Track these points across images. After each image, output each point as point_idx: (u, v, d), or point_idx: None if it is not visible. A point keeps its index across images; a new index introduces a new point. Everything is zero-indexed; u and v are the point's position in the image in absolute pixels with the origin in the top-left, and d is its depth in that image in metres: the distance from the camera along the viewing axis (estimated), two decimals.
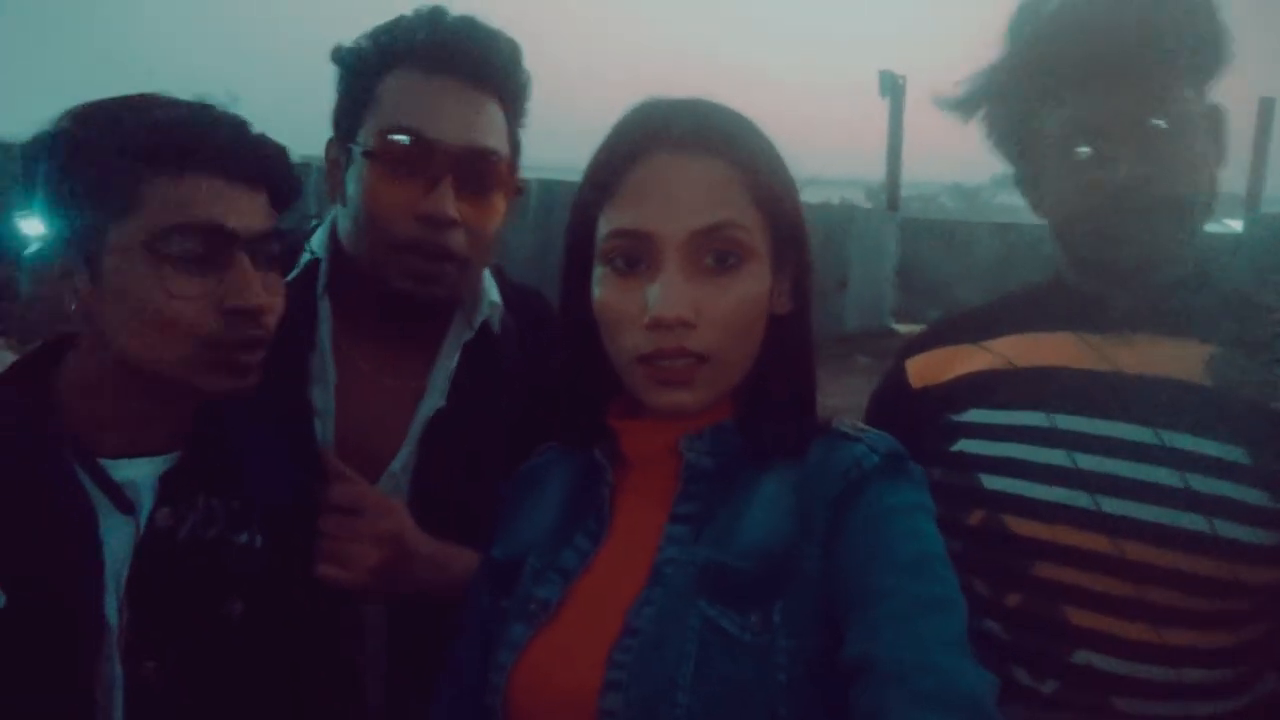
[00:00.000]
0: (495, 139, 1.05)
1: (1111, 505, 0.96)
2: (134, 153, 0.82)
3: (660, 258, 0.77)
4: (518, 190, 1.10)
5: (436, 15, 1.05)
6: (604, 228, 0.79)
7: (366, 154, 1.03)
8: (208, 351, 0.83)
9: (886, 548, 0.73)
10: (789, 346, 0.83)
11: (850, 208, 12.15)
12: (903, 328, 11.75)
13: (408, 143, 1.01)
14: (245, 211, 0.84)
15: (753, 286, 0.79)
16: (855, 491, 0.76)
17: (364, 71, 1.05)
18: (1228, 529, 0.92)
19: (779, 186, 0.81)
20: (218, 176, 0.83)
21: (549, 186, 8.68)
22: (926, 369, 1.12)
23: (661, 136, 0.79)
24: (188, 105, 0.86)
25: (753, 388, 0.82)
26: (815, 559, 0.74)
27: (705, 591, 0.75)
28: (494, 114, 1.05)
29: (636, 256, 0.78)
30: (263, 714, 0.90)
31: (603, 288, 0.79)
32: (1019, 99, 1.03)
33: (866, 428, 0.81)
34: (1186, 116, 0.96)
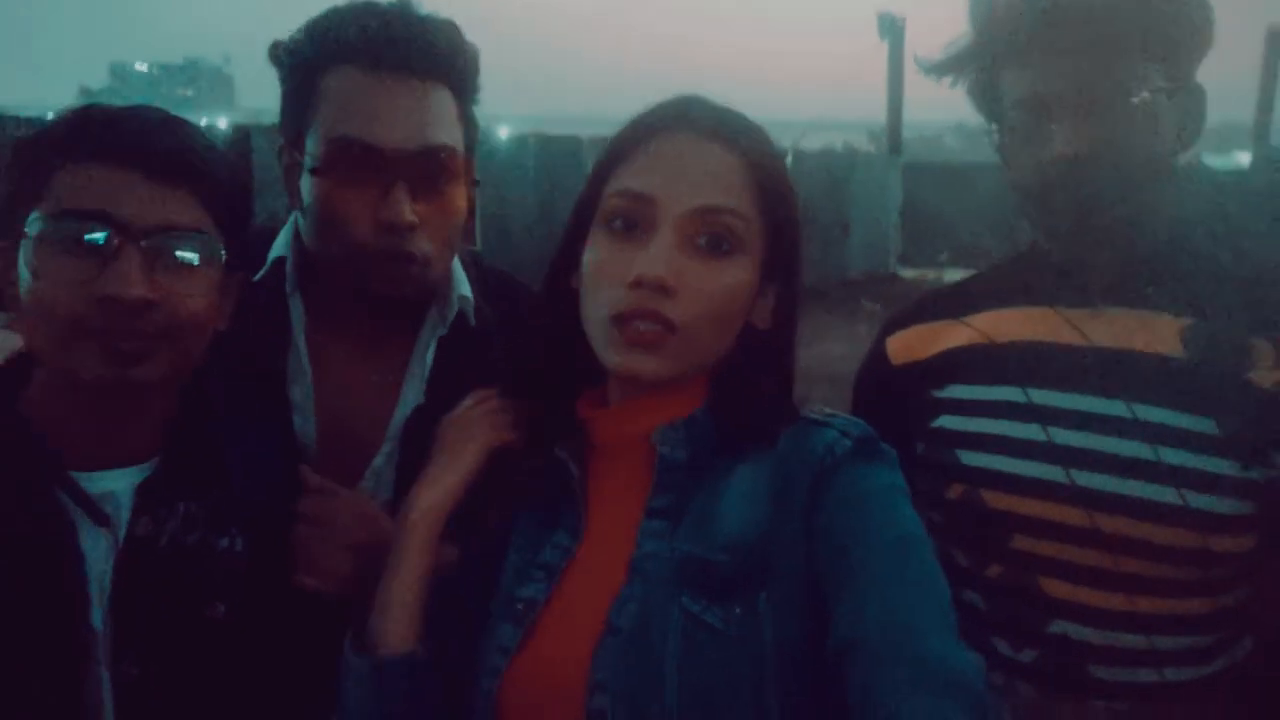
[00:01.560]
0: (446, 132, 1.03)
1: (1085, 479, 0.97)
2: (48, 144, 0.83)
3: (657, 226, 0.78)
4: (475, 181, 1.08)
5: (369, 7, 1.02)
6: (611, 188, 0.81)
7: (317, 165, 1.01)
8: (78, 338, 0.81)
9: (866, 531, 0.74)
10: (768, 363, 0.84)
11: (852, 153, 12.03)
12: (908, 272, 11.71)
13: (356, 152, 0.99)
14: (147, 205, 0.82)
15: (738, 276, 0.80)
16: (830, 477, 0.76)
17: (303, 71, 1.02)
18: (1198, 500, 0.93)
19: (786, 203, 0.83)
20: (117, 167, 0.82)
21: (547, 141, 8.59)
22: (907, 346, 1.13)
23: (685, 119, 0.81)
24: (117, 106, 0.86)
25: (723, 380, 0.83)
26: (795, 547, 0.75)
27: (686, 586, 0.75)
28: (442, 103, 1.03)
29: (634, 221, 0.79)
30: (249, 714, 0.91)
31: (595, 247, 0.81)
32: (984, 67, 1.04)
33: (836, 413, 0.82)
34: (1144, 95, 0.95)
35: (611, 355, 0.79)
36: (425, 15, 1.03)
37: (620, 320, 0.78)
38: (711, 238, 0.79)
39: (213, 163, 0.87)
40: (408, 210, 0.99)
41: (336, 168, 1.00)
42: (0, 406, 0.86)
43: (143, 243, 0.82)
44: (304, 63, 1.02)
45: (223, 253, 0.88)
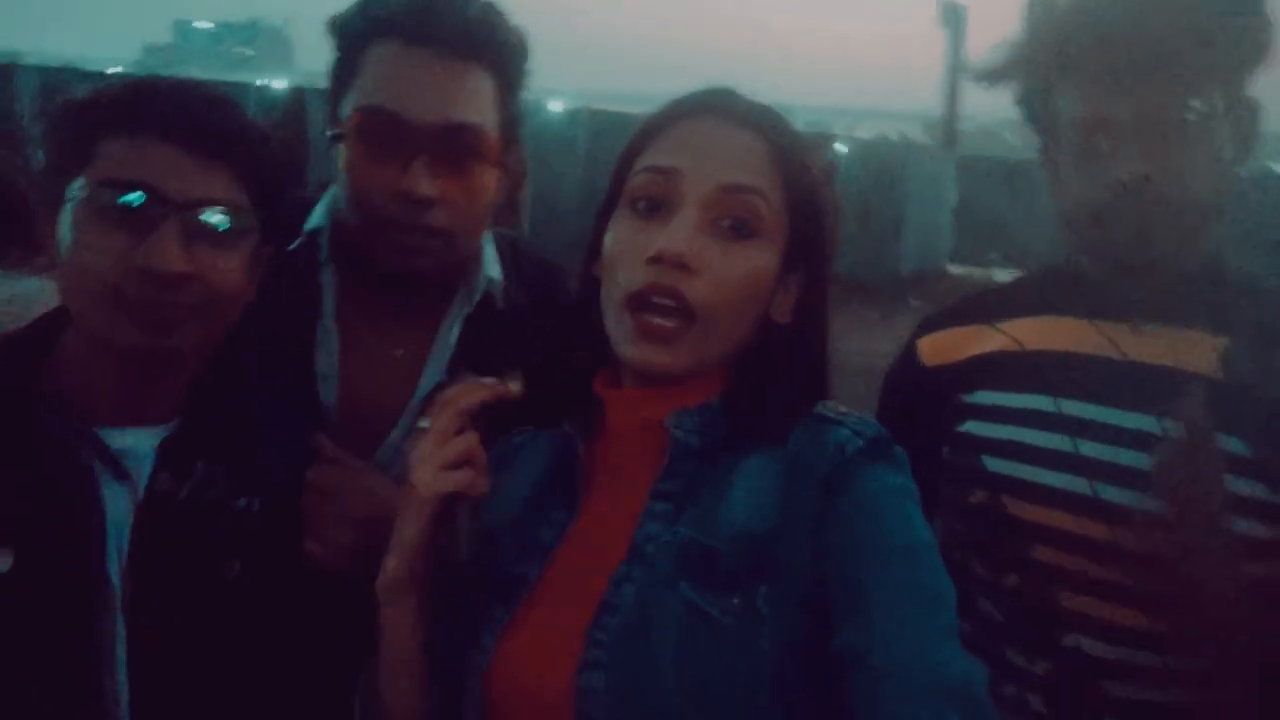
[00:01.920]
0: (476, 111, 1.03)
1: (1110, 493, 0.95)
2: (93, 114, 0.85)
3: (681, 203, 0.78)
4: (506, 163, 1.08)
5: None
6: (638, 165, 0.81)
7: (345, 131, 1.02)
8: (114, 306, 0.83)
9: (875, 536, 0.73)
10: (786, 357, 0.83)
11: (906, 145, 11.83)
12: (960, 270, 11.52)
13: (381, 120, 1.00)
14: (188, 179, 0.84)
15: (759, 261, 0.79)
16: (841, 476, 0.75)
17: (351, 42, 1.04)
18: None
19: (813, 195, 0.82)
20: (162, 140, 0.84)
21: (599, 116, 8.56)
22: (939, 348, 1.12)
23: (717, 105, 0.82)
24: (165, 79, 0.89)
25: (744, 376, 0.82)
26: (801, 544, 0.74)
27: (686, 572, 0.75)
28: (478, 83, 1.03)
29: (658, 199, 0.79)
30: (261, 671, 0.92)
31: (618, 227, 0.81)
32: (1037, 79, 1.02)
33: (849, 411, 0.81)
34: (1202, 115, 0.93)
35: (626, 347, 0.79)
36: None
37: (636, 302, 0.77)
38: (735, 219, 0.78)
39: (252, 139, 0.89)
40: (426, 184, 1.00)
41: (362, 137, 1.01)
42: (30, 362, 0.88)
43: (182, 215, 0.83)
44: (352, 35, 1.04)
45: (256, 228, 0.89)
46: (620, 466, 0.83)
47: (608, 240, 0.81)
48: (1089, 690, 0.97)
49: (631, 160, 0.82)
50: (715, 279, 0.77)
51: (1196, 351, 0.97)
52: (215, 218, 0.85)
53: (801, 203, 0.82)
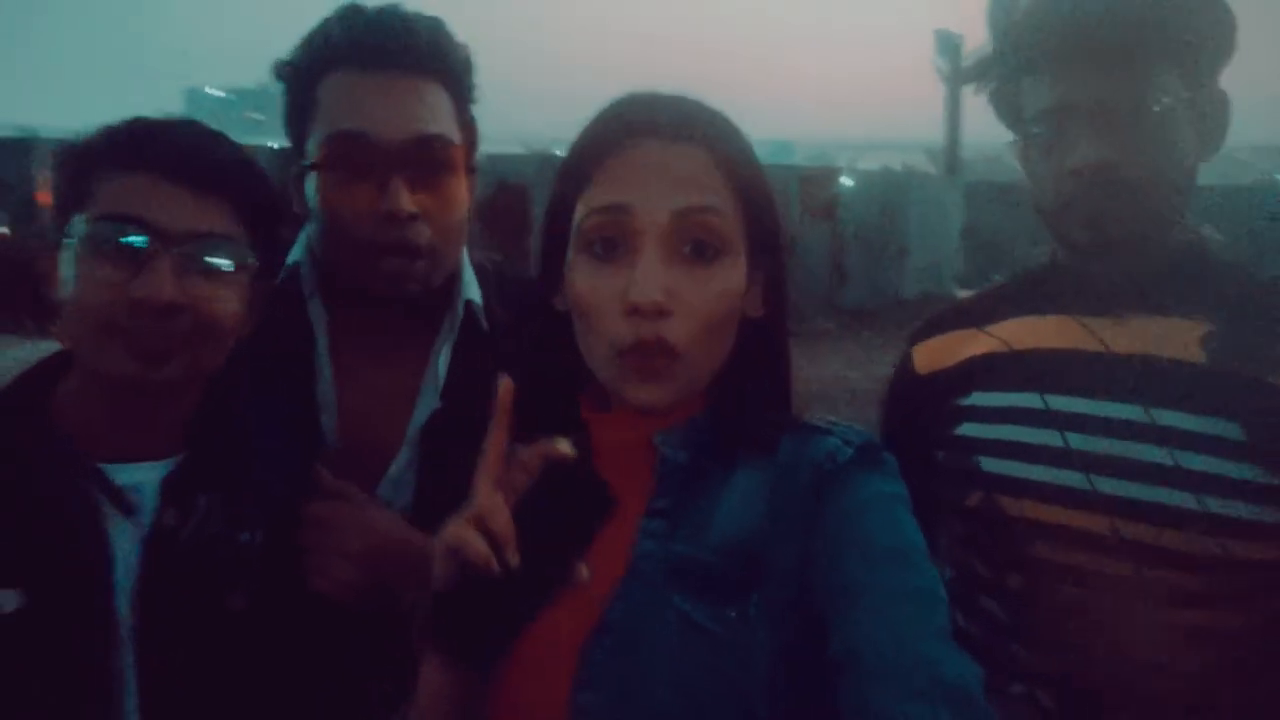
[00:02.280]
0: (440, 124, 1.04)
1: (1105, 484, 0.95)
2: (92, 153, 0.88)
3: (639, 242, 0.76)
4: (472, 169, 1.09)
5: (352, 11, 1.05)
6: (583, 209, 0.78)
7: (315, 164, 1.03)
8: (110, 336, 0.85)
9: (865, 540, 0.73)
10: (762, 351, 0.83)
11: (910, 173, 11.89)
12: (964, 293, 11.48)
13: (351, 146, 1.01)
14: (178, 211, 0.86)
15: (728, 281, 0.78)
16: (831, 484, 0.76)
17: (301, 82, 1.05)
18: (1218, 505, 0.91)
19: (759, 186, 0.81)
20: (159, 176, 0.86)
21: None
22: (933, 355, 1.13)
23: (647, 125, 0.79)
24: (160, 119, 0.91)
25: (725, 384, 0.82)
26: (792, 553, 0.74)
27: (679, 586, 0.75)
28: (435, 98, 1.04)
29: (615, 240, 0.77)
30: (269, 703, 0.93)
31: (580, 275, 0.78)
32: (1004, 77, 1.04)
33: (837, 421, 0.81)
34: (1164, 105, 0.94)
35: (619, 388, 0.78)
36: (411, 14, 1.05)
37: (624, 353, 0.76)
38: (696, 244, 0.77)
39: (246, 174, 0.91)
40: (406, 200, 1.01)
41: (334, 164, 1.02)
42: (35, 401, 0.91)
43: (175, 249, 0.85)
44: (301, 73, 1.05)
45: (252, 260, 0.91)
46: (615, 483, 0.82)
47: (573, 286, 0.79)
48: (1099, 685, 0.96)
49: (573, 195, 0.80)
50: (692, 313, 0.76)
51: (1179, 338, 0.97)
52: (208, 249, 0.87)
53: (752, 199, 0.80)
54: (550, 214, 0.82)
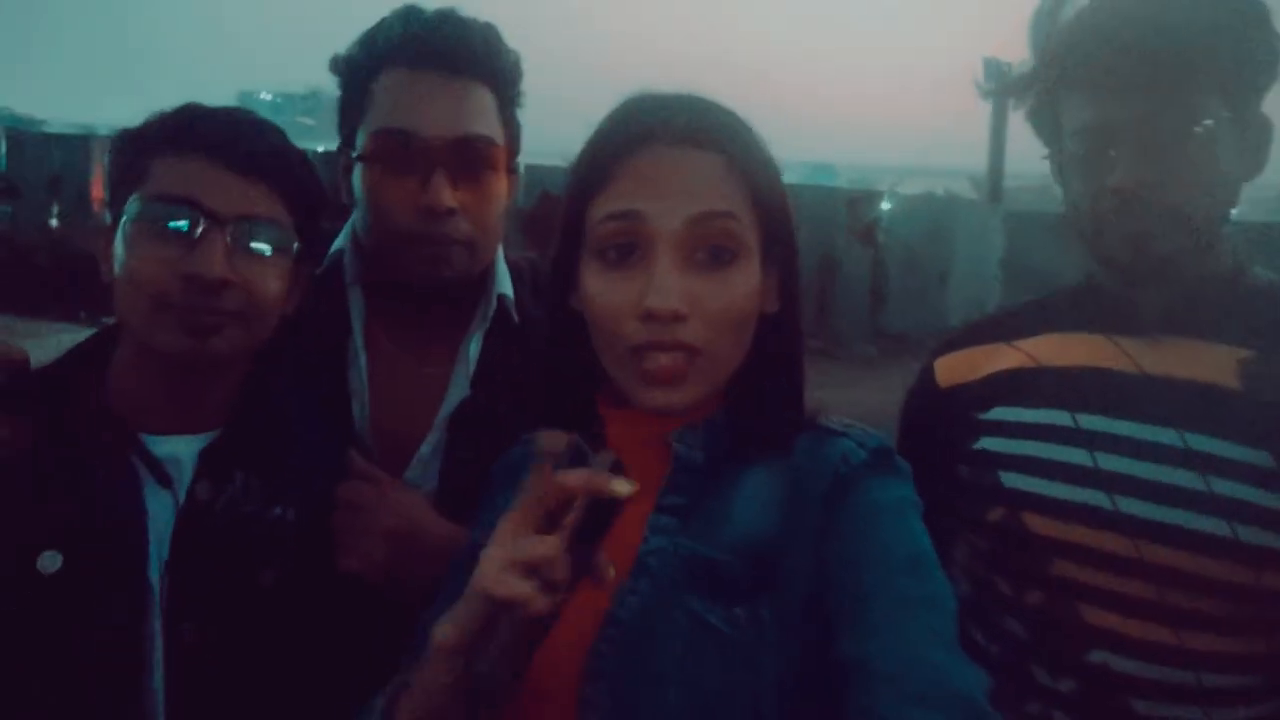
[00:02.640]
0: (484, 125, 1.08)
1: (1130, 506, 0.95)
2: (154, 135, 0.92)
3: (653, 248, 0.76)
4: (513, 170, 1.13)
5: (411, 12, 1.09)
6: (597, 214, 0.78)
7: (361, 157, 1.08)
8: (161, 311, 0.89)
9: (877, 546, 0.73)
10: (777, 345, 0.83)
11: (953, 199, 11.79)
12: None
13: (397, 141, 1.05)
14: (231, 196, 0.90)
15: (745, 283, 0.78)
16: (844, 488, 0.75)
17: (356, 76, 1.10)
18: (1250, 534, 0.90)
19: (772, 183, 0.81)
20: (211, 160, 0.90)
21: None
22: (956, 368, 1.12)
23: (658, 129, 0.78)
24: (217, 107, 0.95)
25: (741, 383, 0.82)
26: (804, 555, 0.74)
27: (690, 585, 0.75)
28: (481, 99, 1.08)
29: (629, 246, 0.76)
30: (294, 677, 0.95)
31: (594, 280, 0.78)
32: (1044, 92, 1.03)
33: (852, 422, 0.81)
34: (1203, 127, 0.94)
35: (637, 393, 0.78)
36: (466, 19, 1.10)
37: (639, 354, 0.76)
38: (712, 250, 0.76)
39: (292, 162, 0.95)
40: (447, 195, 1.05)
41: (381, 158, 1.07)
42: (86, 373, 0.94)
43: (226, 229, 0.89)
44: (357, 69, 1.10)
45: (295, 244, 0.95)
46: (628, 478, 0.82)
47: (587, 290, 0.79)
48: (1116, 707, 0.95)
49: (586, 199, 0.79)
50: (709, 316, 0.76)
51: (1215, 364, 0.96)
52: (256, 231, 0.91)
53: (764, 196, 0.80)
54: (563, 216, 0.82)
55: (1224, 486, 0.92)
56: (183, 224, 0.89)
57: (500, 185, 1.11)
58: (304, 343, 1.03)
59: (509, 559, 0.64)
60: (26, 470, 0.89)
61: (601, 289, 0.78)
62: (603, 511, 0.67)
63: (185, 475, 0.93)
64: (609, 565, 0.68)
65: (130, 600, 0.89)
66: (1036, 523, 0.99)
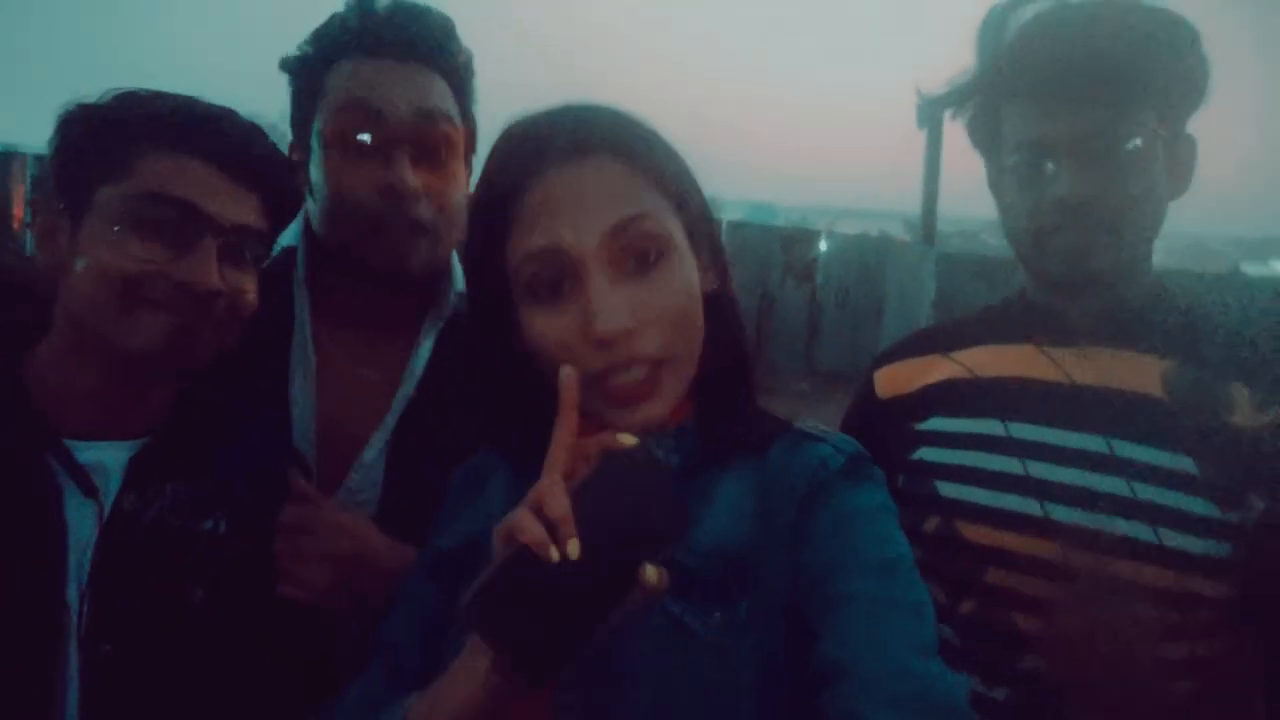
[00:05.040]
0: (443, 103, 1.08)
1: (1060, 513, 0.97)
2: (136, 125, 0.87)
3: (582, 273, 0.74)
4: (470, 162, 1.13)
5: (365, 4, 1.09)
6: (515, 257, 0.76)
7: (321, 137, 1.06)
8: (134, 312, 0.85)
9: (855, 551, 0.72)
10: (726, 322, 0.82)
11: (886, 240, 12.09)
12: None
13: (357, 115, 1.04)
14: (226, 202, 0.87)
15: (682, 276, 0.77)
16: (821, 493, 0.75)
17: (308, 70, 1.09)
18: (1174, 538, 0.93)
19: (675, 169, 0.80)
20: (207, 163, 0.87)
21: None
22: (895, 380, 1.14)
23: (546, 152, 0.76)
24: (205, 102, 0.92)
25: (705, 379, 0.81)
26: (781, 560, 0.73)
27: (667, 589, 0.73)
28: (438, 85, 1.08)
29: (557, 279, 0.75)
30: (219, 700, 0.90)
31: (534, 321, 0.76)
32: (986, 103, 1.06)
33: (829, 428, 0.81)
34: (1140, 143, 0.97)
35: (609, 416, 0.76)
36: (421, 8, 1.09)
37: (602, 377, 0.74)
38: (637, 253, 0.75)
39: (282, 172, 0.94)
40: (409, 174, 1.03)
41: (340, 137, 1.05)
42: (3, 367, 0.89)
43: (220, 236, 0.87)
44: (310, 63, 1.09)
45: (265, 252, 0.93)
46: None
47: (530, 330, 0.76)
48: (1050, 714, 0.96)
49: (498, 245, 0.77)
50: (658, 320, 0.75)
51: (1140, 373, 0.99)
52: (247, 241, 0.89)
53: (674, 181, 0.78)
54: (475, 264, 0.80)
55: (1149, 492, 0.94)
56: (176, 227, 0.86)
57: (461, 171, 1.10)
58: (242, 345, 0.99)
59: (520, 506, 0.65)
60: None
61: (544, 327, 0.75)
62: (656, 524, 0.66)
63: (111, 485, 0.88)
64: (651, 570, 0.65)
65: (44, 620, 0.83)
66: (970, 531, 1.01)
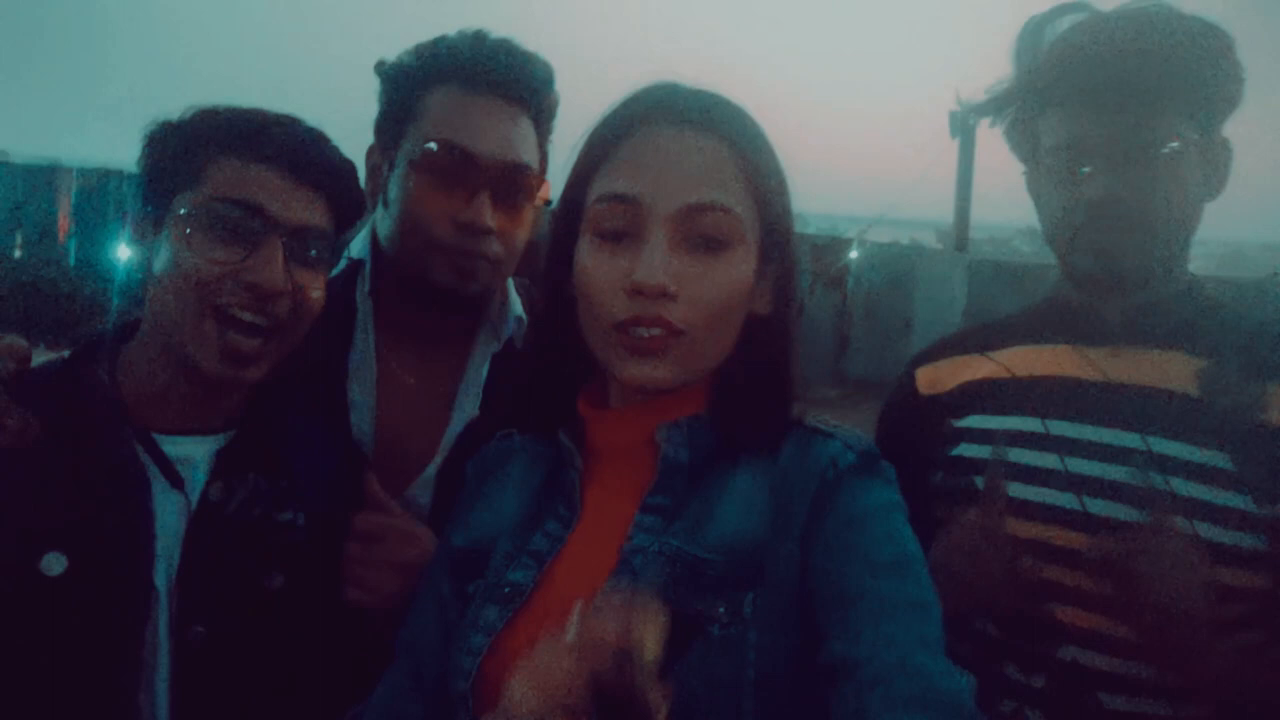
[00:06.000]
0: (529, 154, 1.13)
1: (1096, 505, 0.99)
2: (208, 135, 0.93)
3: (647, 229, 0.76)
4: (545, 201, 1.16)
5: (479, 37, 1.14)
6: (595, 192, 0.79)
7: (412, 163, 1.10)
8: (205, 318, 0.89)
9: (865, 549, 0.73)
10: (768, 349, 0.83)
11: (917, 248, 12.01)
12: None
13: (451, 155, 1.09)
14: (293, 205, 0.92)
15: (736, 273, 0.78)
16: (832, 490, 0.76)
17: (407, 85, 1.13)
18: (1209, 531, 0.95)
19: (775, 182, 0.82)
20: (275, 169, 0.92)
21: None
22: (935, 377, 1.16)
23: (665, 110, 0.79)
24: (270, 111, 0.97)
25: (728, 382, 0.82)
26: (791, 556, 0.74)
27: (674, 583, 0.74)
28: (528, 130, 1.14)
29: (624, 226, 0.77)
30: (301, 681, 0.95)
31: (586, 255, 0.79)
32: (1024, 109, 1.09)
33: (839, 424, 0.82)
34: (1173, 147, 1.00)
35: (618, 365, 0.78)
36: (527, 52, 1.15)
37: (624, 328, 0.76)
38: (704, 236, 0.77)
39: (346, 175, 0.98)
40: (489, 215, 1.09)
41: (431, 168, 1.09)
42: (95, 368, 0.94)
43: (286, 237, 0.91)
44: (409, 77, 1.13)
45: (331, 255, 0.98)
46: (611, 481, 0.82)
47: (579, 265, 0.79)
48: (1086, 703, 0.98)
49: (586, 178, 0.80)
50: (696, 299, 0.76)
51: (1175, 371, 1.02)
52: (311, 242, 0.93)
53: (766, 193, 0.80)
54: (565, 195, 0.83)
55: (1184, 486, 0.97)
56: (249, 229, 0.89)
57: (532, 215, 1.15)
58: (307, 348, 1.03)
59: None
60: (32, 467, 0.87)
61: (593, 264, 0.78)
62: None
63: (197, 477, 0.93)
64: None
65: (135, 604, 0.88)
66: (1008, 524, 1.01)
